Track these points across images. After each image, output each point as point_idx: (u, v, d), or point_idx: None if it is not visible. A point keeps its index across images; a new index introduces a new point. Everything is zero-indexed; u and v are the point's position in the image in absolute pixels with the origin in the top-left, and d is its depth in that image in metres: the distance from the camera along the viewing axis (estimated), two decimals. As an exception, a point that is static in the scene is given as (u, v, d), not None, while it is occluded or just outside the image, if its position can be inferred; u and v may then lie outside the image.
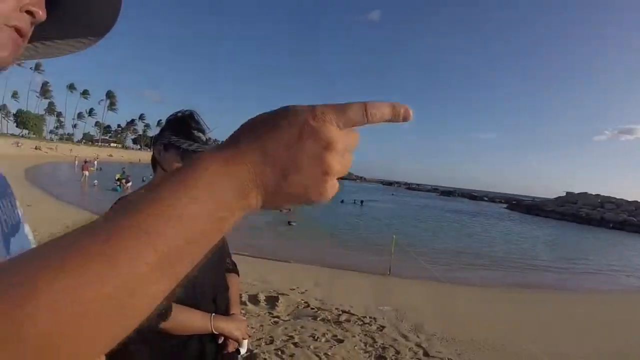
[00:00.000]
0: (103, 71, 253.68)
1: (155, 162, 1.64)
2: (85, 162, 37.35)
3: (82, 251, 0.31)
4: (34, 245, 0.73)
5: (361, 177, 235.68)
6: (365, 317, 6.60)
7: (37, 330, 0.29)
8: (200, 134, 1.57)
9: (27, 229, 0.76)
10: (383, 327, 6.26)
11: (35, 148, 78.69)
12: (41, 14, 0.59)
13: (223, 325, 1.61)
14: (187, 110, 1.63)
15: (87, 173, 31.88)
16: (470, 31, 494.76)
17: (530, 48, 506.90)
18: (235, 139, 0.40)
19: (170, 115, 1.64)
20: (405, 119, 0.43)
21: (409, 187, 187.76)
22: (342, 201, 45.62)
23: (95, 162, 47.38)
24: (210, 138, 1.62)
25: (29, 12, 0.58)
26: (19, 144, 73.95)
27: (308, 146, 0.38)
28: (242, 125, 0.41)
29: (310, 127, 0.38)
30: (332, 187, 0.41)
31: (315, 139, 0.38)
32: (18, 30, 0.58)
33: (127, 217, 0.34)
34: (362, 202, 45.98)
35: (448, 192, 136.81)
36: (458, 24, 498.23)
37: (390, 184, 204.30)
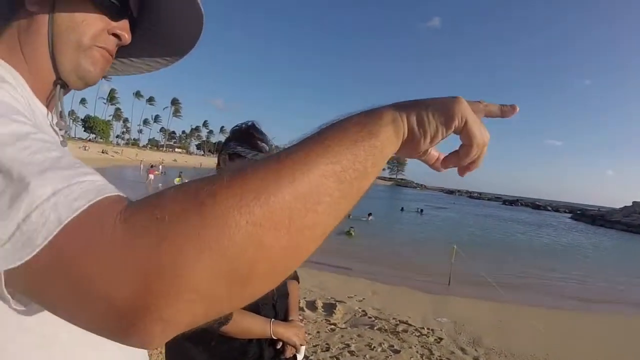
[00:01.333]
0: (169, 79, 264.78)
1: None
2: (152, 166, 40.77)
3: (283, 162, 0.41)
4: None
5: (422, 185, 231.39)
6: (422, 328, 6.55)
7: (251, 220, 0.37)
8: (264, 144, 1.62)
9: None
10: (441, 339, 6.19)
11: (102, 152, 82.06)
12: (127, 37, 0.69)
13: (282, 330, 1.63)
14: (250, 122, 1.69)
15: (152, 176, 33.76)
16: (534, 35, 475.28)
17: (600, 50, 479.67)
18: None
19: (235, 126, 1.71)
20: (509, 113, 0.58)
21: (471, 195, 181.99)
22: (402, 209, 45.10)
23: (160, 167, 49.39)
24: (272, 146, 1.66)
25: (115, 35, 0.68)
26: (86, 148, 76.10)
27: (444, 98, 0.53)
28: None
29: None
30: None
31: (449, 97, 0.53)
32: (106, 51, 0.67)
33: (315, 141, 0.44)
34: (421, 210, 45.25)
35: (511, 202, 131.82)
36: (521, 29, 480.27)
37: (451, 192, 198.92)
